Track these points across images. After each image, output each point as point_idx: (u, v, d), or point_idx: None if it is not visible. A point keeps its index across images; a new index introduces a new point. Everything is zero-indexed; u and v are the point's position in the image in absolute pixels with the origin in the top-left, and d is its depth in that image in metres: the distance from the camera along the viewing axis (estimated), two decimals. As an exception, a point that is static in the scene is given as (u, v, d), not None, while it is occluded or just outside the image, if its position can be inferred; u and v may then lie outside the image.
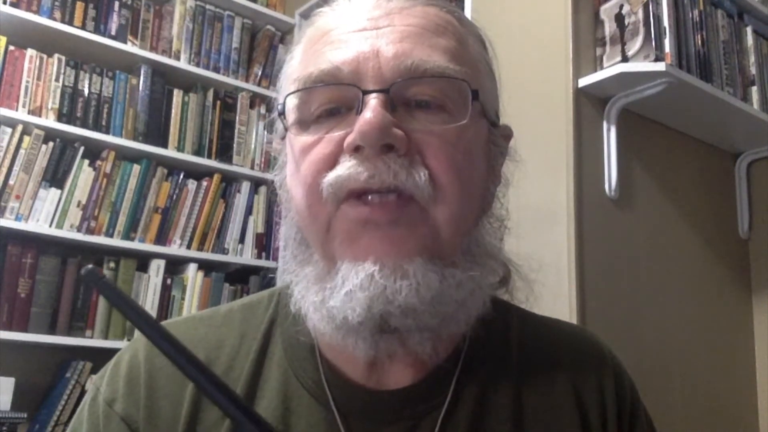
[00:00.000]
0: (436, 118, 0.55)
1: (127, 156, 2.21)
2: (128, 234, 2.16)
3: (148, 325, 0.43)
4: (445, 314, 0.54)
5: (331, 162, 0.54)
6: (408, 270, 0.52)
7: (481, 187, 0.59)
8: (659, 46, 1.55)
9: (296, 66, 0.61)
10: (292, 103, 0.58)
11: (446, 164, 0.54)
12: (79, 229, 2.08)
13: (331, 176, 0.53)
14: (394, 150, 0.53)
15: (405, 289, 0.51)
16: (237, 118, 2.46)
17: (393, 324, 0.52)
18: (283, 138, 0.61)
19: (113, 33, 2.26)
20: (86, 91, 2.18)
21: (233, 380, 0.60)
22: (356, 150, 0.53)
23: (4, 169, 2.00)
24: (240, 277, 2.40)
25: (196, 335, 0.64)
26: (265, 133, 2.50)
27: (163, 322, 0.68)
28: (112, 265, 2.13)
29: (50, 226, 2.05)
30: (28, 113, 2.07)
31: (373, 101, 0.53)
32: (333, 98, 0.56)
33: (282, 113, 0.59)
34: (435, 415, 0.58)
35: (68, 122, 2.12)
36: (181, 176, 2.29)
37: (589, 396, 0.63)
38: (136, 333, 0.64)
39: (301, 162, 0.56)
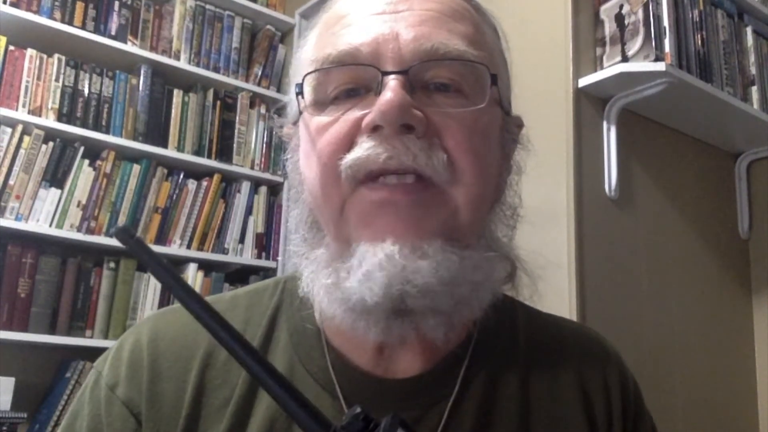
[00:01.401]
0: (454, 101, 0.55)
1: (127, 156, 2.21)
2: (128, 234, 2.16)
3: (179, 287, 0.42)
4: (461, 297, 0.54)
5: (348, 142, 0.54)
6: (427, 250, 0.52)
7: (495, 174, 0.59)
8: (659, 46, 1.55)
9: (312, 49, 0.61)
10: (308, 83, 0.58)
11: (464, 147, 0.54)
12: (79, 229, 2.08)
13: (349, 158, 0.53)
14: (413, 131, 0.53)
15: (424, 269, 0.51)
16: (237, 118, 2.46)
17: (410, 305, 0.52)
18: (295, 123, 0.61)
19: (113, 33, 2.26)
20: (86, 91, 2.18)
21: (237, 366, 0.58)
22: (374, 130, 0.53)
23: (4, 169, 2.00)
24: (240, 277, 2.40)
25: None
26: (266, 132, 2.50)
27: (170, 307, 0.68)
28: (112, 265, 2.13)
29: (50, 226, 2.05)
30: (28, 113, 2.07)
31: (392, 82, 0.53)
32: (351, 79, 0.56)
33: (300, 93, 0.58)
34: (443, 404, 0.58)
35: (68, 122, 2.12)
36: (181, 176, 2.29)
37: (595, 393, 0.63)
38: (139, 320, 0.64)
39: (317, 141, 0.56)
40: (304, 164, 0.59)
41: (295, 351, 0.61)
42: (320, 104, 0.57)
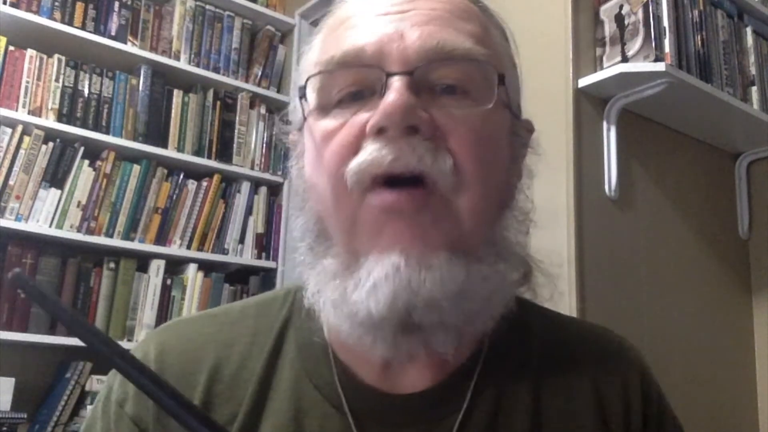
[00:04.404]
0: (461, 103, 0.54)
1: (127, 156, 2.21)
2: (128, 234, 2.16)
3: (79, 326, 0.39)
4: (470, 311, 0.52)
5: (355, 148, 0.53)
6: (433, 262, 0.50)
7: (503, 178, 0.58)
8: (659, 46, 1.55)
9: (316, 53, 0.59)
10: (312, 87, 0.57)
11: (471, 151, 0.53)
12: (79, 230, 2.08)
13: (354, 163, 0.52)
14: (418, 133, 0.51)
15: (430, 280, 0.50)
16: (237, 118, 2.46)
17: (416, 319, 0.51)
18: (300, 129, 0.60)
19: (113, 33, 2.26)
20: (86, 92, 2.18)
21: (244, 380, 0.59)
22: (379, 133, 0.51)
23: (4, 169, 2.00)
24: (240, 278, 2.40)
25: (207, 333, 0.63)
26: (266, 132, 2.50)
27: (177, 319, 0.68)
28: (112, 265, 2.13)
29: (50, 226, 2.05)
30: (28, 113, 2.07)
31: (397, 83, 0.52)
32: (356, 81, 0.54)
33: (303, 96, 0.57)
34: (452, 419, 0.57)
35: (68, 122, 2.12)
36: (181, 176, 2.29)
37: (613, 404, 0.61)
38: (146, 332, 0.64)
39: (324, 149, 0.54)
40: (312, 172, 0.57)
41: (303, 365, 0.60)
42: (324, 108, 0.56)
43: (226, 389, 0.59)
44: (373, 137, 0.52)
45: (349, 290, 0.52)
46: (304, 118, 0.58)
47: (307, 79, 0.57)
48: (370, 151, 0.52)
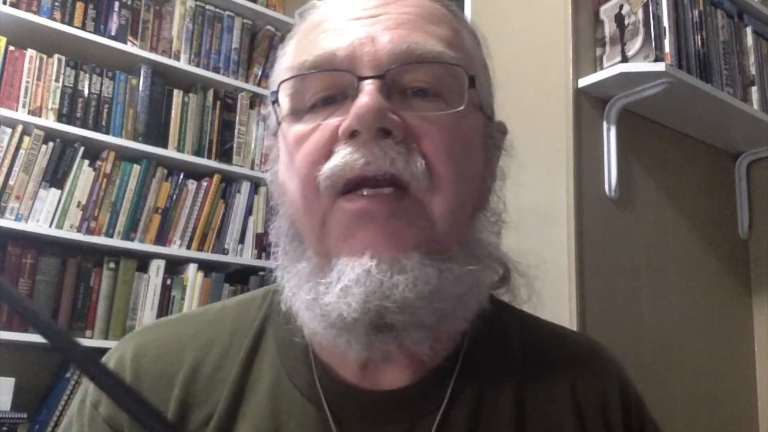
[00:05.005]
0: (433, 105, 0.54)
1: (127, 156, 2.21)
2: (128, 234, 2.16)
3: (50, 331, 0.38)
4: (444, 311, 0.53)
5: (327, 152, 0.53)
6: (405, 264, 0.51)
7: (477, 180, 0.58)
8: (659, 47, 1.55)
9: (290, 57, 0.60)
10: (285, 92, 0.57)
11: (443, 152, 0.53)
12: (79, 230, 2.08)
13: (326, 168, 0.52)
14: (390, 136, 0.52)
15: (402, 283, 0.50)
16: (237, 118, 2.46)
17: (389, 320, 0.51)
18: (275, 134, 0.61)
19: (113, 33, 2.26)
20: (86, 92, 2.18)
21: (221, 380, 0.59)
22: (352, 136, 0.52)
23: (4, 169, 2.00)
24: (240, 278, 2.39)
25: (185, 334, 0.63)
26: (265, 132, 2.50)
27: (155, 321, 0.68)
28: (112, 265, 2.13)
29: (50, 226, 2.04)
30: (28, 113, 2.07)
31: (368, 86, 0.52)
32: (328, 85, 0.55)
33: (275, 101, 0.57)
34: (432, 417, 0.57)
35: (68, 122, 2.12)
36: (181, 176, 2.29)
37: (590, 410, 0.61)
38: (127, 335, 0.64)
39: (296, 153, 0.55)
40: (285, 176, 0.57)
41: (282, 364, 0.60)
42: (297, 113, 0.56)
43: (203, 390, 0.59)
44: (345, 141, 0.52)
45: (321, 291, 0.52)
46: (278, 123, 0.58)
47: (280, 84, 0.57)
48: (343, 155, 0.52)
